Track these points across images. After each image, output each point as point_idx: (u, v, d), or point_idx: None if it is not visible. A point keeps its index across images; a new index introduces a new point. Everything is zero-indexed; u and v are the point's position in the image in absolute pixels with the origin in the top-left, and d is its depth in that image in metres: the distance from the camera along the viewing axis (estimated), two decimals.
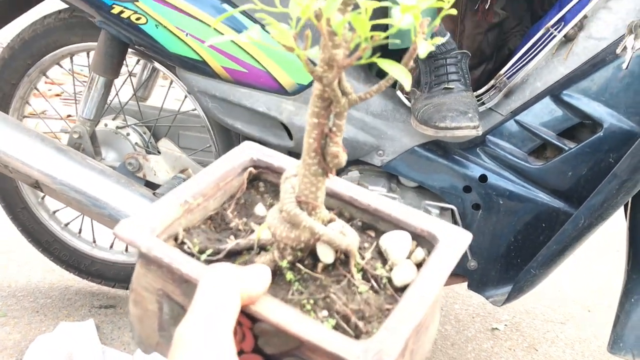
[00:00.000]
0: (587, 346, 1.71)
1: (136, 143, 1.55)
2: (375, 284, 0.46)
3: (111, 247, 1.72)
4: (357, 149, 1.34)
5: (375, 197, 0.51)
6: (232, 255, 0.48)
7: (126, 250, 1.71)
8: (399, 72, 0.37)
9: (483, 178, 1.29)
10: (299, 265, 0.47)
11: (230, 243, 0.48)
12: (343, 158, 0.44)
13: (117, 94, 1.58)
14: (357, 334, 0.43)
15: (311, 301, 0.45)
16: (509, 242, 1.32)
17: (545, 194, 1.28)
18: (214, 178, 0.51)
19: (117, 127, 1.56)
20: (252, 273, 0.41)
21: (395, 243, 0.49)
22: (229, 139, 1.47)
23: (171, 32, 1.26)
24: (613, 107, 1.20)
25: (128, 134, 1.55)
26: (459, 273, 1.39)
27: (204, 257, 0.47)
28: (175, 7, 1.25)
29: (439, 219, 0.51)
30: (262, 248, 0.48)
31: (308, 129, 0.43)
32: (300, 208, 0.45)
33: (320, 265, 0.47)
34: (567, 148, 1.24)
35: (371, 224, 0.51)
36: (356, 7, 0.37)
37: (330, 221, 0.47)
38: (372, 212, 0.51)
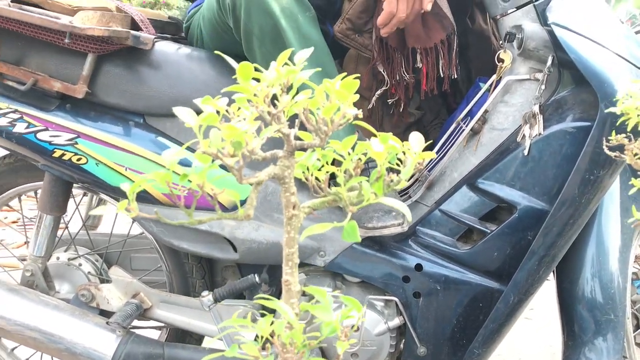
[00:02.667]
0: None
1: (89, 272, 1.60)
2: None
3: None
4: (300, 253, 1.40)
5: None
6: None
7: None
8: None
9: (419, 267, 1.38)
10: None
11: None
12: None
13: (67, 227, 1.64)
14: None
15: None
16: (452, 324, 1.39)
17: (477, 275, 1.37)
18: None
19: (69, 259, 1.61)
20: None
21: None
22: (178, 257, 1.53)
23: (111, 168, 1.35)
24: (523, 190, 1.31)
25: (80, 265, 1.60)
26: None
27: None
28: (113, 146, 1.34)
29: None
30: None
31: None
32: None
33: None
34: (489, 231, 1.34)
35: None
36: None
37: None
38: None
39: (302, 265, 1.46)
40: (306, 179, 0.55)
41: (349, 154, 0.53)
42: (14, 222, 3.58)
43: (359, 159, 0.53)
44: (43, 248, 1.53)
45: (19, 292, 1.43)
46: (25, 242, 3.01)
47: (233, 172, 0.51)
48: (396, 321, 1.39)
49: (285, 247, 0.56)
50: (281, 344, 0.54)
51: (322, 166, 0.55)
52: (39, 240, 1.52)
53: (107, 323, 1.42)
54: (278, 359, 0.55)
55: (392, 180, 0.53)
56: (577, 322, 1.34)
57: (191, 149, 1.13)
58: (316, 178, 0.55)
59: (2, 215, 3.68)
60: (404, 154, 0.53)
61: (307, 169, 0.54)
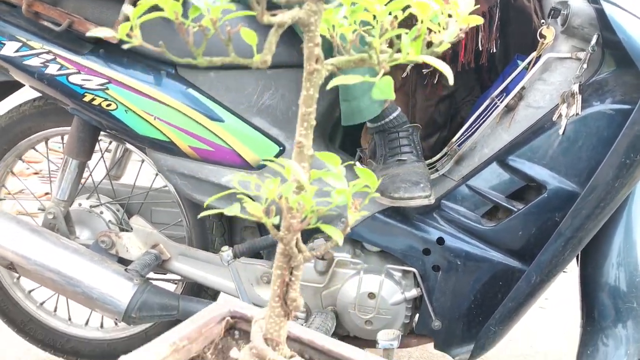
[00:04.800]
0: None
1: (109, 221, 1.61)
2: None
3: (86, 323, 1.74)
4: (321, 218, 1.40)
5: (329, 340, 0.64)
6: None
7: (101, 326, 1.74)
8: (336, 234, 0.54)
9: (440, 241, 1.36)
10: None
11: None
12: (300, 302, 0.57)
13: (90, 175, 1.65)
14: None
15: None
16: (470, 301, 1.38)
17: (499, 253, 1.35)
18: (198, 325, 0.62)
19: (91, 206, 1.61)
20: None
21: None
22: (198, 213, 1.53)
23: (140, 116, 1.34)
24: (554, 170, 1.29)
25: (101, 212, 1.61)
26: (425, 333, 1.43)
27: None
28: (144, 94, 1.33)
29: (379, 357, 0.66)
30: None
31: (273, 279, 0.56)
32: (267, 344, 0.56)
33: None
34: (516, 209, 1.32)
35: None
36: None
37: (291, 357, 0.59)
38: (326, 352, 0.63)
39: (323, 231, 1.45)
40: (331, 36, 0.50)
41: (384, 7, 0.46)
42: (35, 173, 3.61)
43: (395, 16, 0.46)
44: (67, 192, 1.53)
45: (40, 234, 1.44)
46: (45, 194, 3.04)
47: (254, 7, 0.47)
48: (413, 292, 1.38)
49: (302, 106, 0.53)
50: (287, 208, 0.51)
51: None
52: (63, 184, 1.53)
53: (125, 270, 1.43)
54: (282, 222, 0.52)
55: (432, 43, 0.47)
56: (597, 308, 1.32)
57: None
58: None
59: (24, 167, 3.71)
60: (450, 16, 0.47)
61: (333, 27, 0.50)
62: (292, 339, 0.62)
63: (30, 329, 1.71)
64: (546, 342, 2.05)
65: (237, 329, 0.67)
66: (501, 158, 1.34)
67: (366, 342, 1.45)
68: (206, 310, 0.66)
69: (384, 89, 0.48)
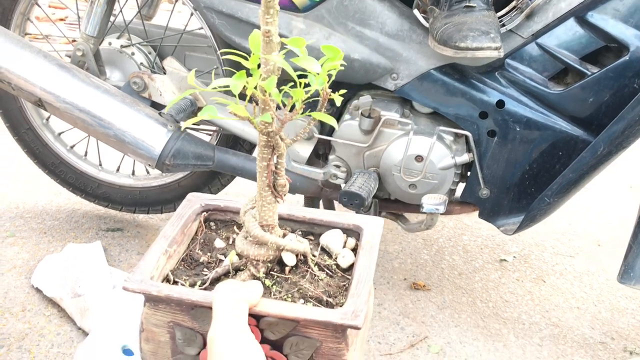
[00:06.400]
0: (595, 279, 1.71)
1: (141, 63, 1.50)
2: (329, 271, 0.63)
3: (117, 170, 1.70)
4: (369, 72, 1.28)
5: (307, 210, 0.69)
6: (215, 282, 0.61)
7: (133, 173, 1.70)
8: (331, 121, 0.56)
9: (500, 104, 1.25)
10: (271, 273, 0.62)
11: (211, 273, 0.62)
12: (287, 187, 0.61)
13: (120, 11, 1.52)
14: (331, 307, 0.59)
15: (289, 295, 0.60)
16: (524, 170, 1.29)
17: (564, 121, 1.24)
18: (179, 227, 0.66)
19: (122, 46, 1.51)
20: (250, 286, 0.55)
21: (332, 239, 0.66)
22: (236, 60, 1.42)
23: None
24: None
25: (133, 53, 1.50)
26: (470, 202, 1.36)
27: (196, 288, 0.61)
28: None
29: (358, 215, 0.69)
30: (237, 269, 0.62)
31: (259, 171, 0.59)
32: (263, 230, 0.60)
33: (287, 269, 0.62)
34: (589, 73, 1.19)
35: (309, 231, 0.69)
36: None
37: (284, 235, 0.64)
38: (308, 221, 0.68)
39: (370, 87, 1.34)
40: None
41: None
42: (61, 19, 3.47)
43: None
44: (96, 28, 1.42)
45: (69, 70, 1.35)
46: (73, 40, 2.93)
47: None
48: (464, 157, 1.29)
49: None
50: (266, 101, 0.53)
51: None
52: (92, 18, 1.41)
53: (159, 114, 1.35)
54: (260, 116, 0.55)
55: None
56: None
57: None
58: None
59: (50, 12, 3.57)
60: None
61: None
62: None
63: (61, 171, 1.68)
64: (585, 224, 1.99)
65: (212, 220, 0.70)
66: (580, 14, 1.19)
67: (407, 206, 1.39)
68: (179, 212, 0.68)
69: None
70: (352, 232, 0.67)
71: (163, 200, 1.65)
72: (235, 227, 0.70)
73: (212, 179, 1.58)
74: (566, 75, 1.26)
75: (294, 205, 0.80)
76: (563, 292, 1.63)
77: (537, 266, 1.74)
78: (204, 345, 0.59)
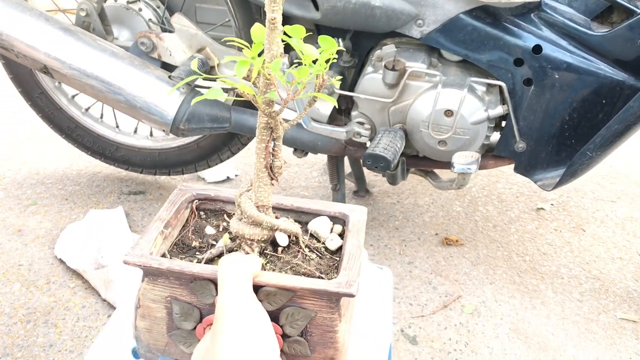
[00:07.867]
0: (639, 225, 1.61)
1: (149, 19, 1.42)
2: (318, 253, 0.66)
3: (135, 132, 1.65)
4: (392, 19, 1.18)
5: (294, 199, 0.72)
6: (209, 263, 0.63)
7: (151, 134, 1.64)
8: (331, 100, 0.57)
9: (537, 49, 1.13)
10: (265, 252, 0.64)
11: (205, 254, 0.63)
12: (283, 169, 0.63)
13: None
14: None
15: (283, 272, 0.62)
16: (563, 121, 1.19)
17: (608, 65, 1.13)
18: (173, 212, 0.68)
19: (128, 2, 1.42)
20: (251, 259, 0.58)
21: (319, 225, 0.69)
22: (248, 11, 1.32)
23: None
24: None
25: (140, 10, 1.41)
26: (505, 155, 1.27)
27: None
28: None
29: (344, 204, 0.72)
30: (230, 251, 0.64)
31: (257, 152, 0.61)
32: (258, 211, 0.63)
33: (279, 249, 0.65)
34: (638, 11, 1.07)
35: (297, 219, 0.70)
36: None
37: (276, 217, 0.66)
38: (295, 209, 0.71)
39: (394, 35, 1.24)
40: None
41: None
42: None
43: None
44: None
45: (74, 33, 1.27)
46: None
47: None
48: (499, 110, 1.19)
49: None
50: (268, 84, 0.55)
51: None
52: None
53: (169, 77, 1.27)
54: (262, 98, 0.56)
55: None
56: None
57: None
58: None
59: None
60: None
61: None
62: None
63: (78, 135, 1.63)
64: (627, 166, 1.88)
65: (201, 210, 0.72)
66: None
67: (437, 163, 1.31)
68: (172, 199, 0.70)
69: None
70: (338, 220, 0.71)
71: (183, 161, 1.60)
72: (225, 216, 0.73)
73: (230, 139, 1.51)
74: (611, 14, 1.14)
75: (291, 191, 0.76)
76: (604, 242, 1.55)
77: (577, 214, 1.66)
78: (201, 319, 0.61)
